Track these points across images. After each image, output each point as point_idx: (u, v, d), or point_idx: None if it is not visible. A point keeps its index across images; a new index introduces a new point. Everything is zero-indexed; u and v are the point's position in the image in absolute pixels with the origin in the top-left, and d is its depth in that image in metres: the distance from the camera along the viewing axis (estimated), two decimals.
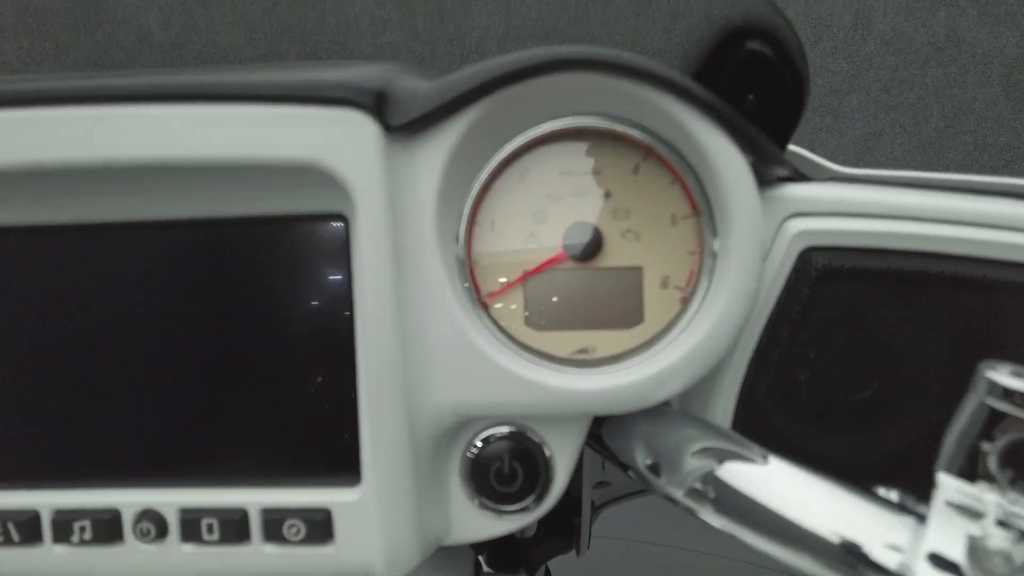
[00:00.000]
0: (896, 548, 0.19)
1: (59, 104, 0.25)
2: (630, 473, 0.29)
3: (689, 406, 0.31)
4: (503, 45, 1.45)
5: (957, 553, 0.18)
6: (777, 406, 0.29)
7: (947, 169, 1.31)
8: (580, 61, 0.24)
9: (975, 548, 0.18)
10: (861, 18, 1.29)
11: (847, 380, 0.28)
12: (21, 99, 0.25)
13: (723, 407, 0.29)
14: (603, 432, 0.30)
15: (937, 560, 0.18)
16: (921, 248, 0.28)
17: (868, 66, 1.31)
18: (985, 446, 0.19)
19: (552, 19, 1.41)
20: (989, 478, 0.20)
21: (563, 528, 0.53)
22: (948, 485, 0.19)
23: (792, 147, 0.35)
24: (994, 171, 1.28)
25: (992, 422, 0.19)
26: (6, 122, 0.25)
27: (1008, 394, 0.19)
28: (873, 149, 1.35)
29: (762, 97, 0.29)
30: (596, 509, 0.62)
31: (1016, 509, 0.18)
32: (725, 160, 0.25)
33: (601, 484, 0.60)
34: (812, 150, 1.20)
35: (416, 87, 0.26)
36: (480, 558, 0.43)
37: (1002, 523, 0.18)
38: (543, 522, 0.31)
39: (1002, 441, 0.19)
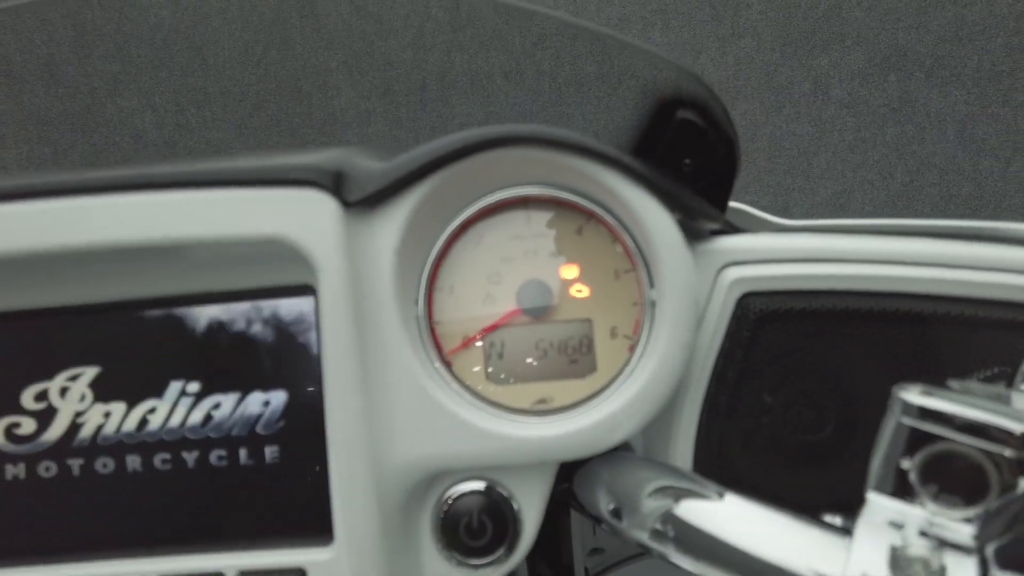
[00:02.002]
0: (832, 566, 0.20)
1: (48, 197, 0.27)
2: (603, 526, 0.30)
3: (651, 451, 0.33)
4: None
5: (882, 564, 0.19)
6: (743, 448, 0.30)
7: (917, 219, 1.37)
8: (519, 138, 0.27)
9: (897, 558, 0.19)
10: (819, 84, 1.38)
11: (806, 420, 0.30)
12: (13, 194, 0.27)
13: (682, 450, 0.31)
14: (573, 485, 0.31)
15: (864, 573, 0.19)
16: (850, 287, 0.30)
17: (831, 128, 1.39)
18: (905, 463, 0.20)
19: (528, 103, 1.50)
20: (913, 493, 0.21)
21: None
22: (875, 503, 0.21)
23: (736, 204, 0.38)
24: (961, 219, 1.33)
25: (910, 440, 0.20)
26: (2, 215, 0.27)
27: (921, 412, 0.20)
28: (845, 205, 1.41)
29: (697, 160, 0.33)
30: None
31: (935, 519, 0.19)
32: (653, 220, 0.28)
33: (595, 551, 0.59)
34: (787, 210, 1.26)
35: (370, 166, 0.29)
36: None
37: (924, 533, 0.19)
38: None
39: (919, 457, 0.20)
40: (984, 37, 1.28)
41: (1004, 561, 0.17)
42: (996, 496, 0.19)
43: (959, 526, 0.19)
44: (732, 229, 0.30)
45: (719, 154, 0.32)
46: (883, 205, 1.39)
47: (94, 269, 0.27)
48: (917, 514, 0.20)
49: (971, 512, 0.19)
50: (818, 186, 1.42)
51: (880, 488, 0.20)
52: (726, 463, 0.29)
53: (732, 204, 0.37)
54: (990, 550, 0.18)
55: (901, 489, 0.20)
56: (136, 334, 0.29)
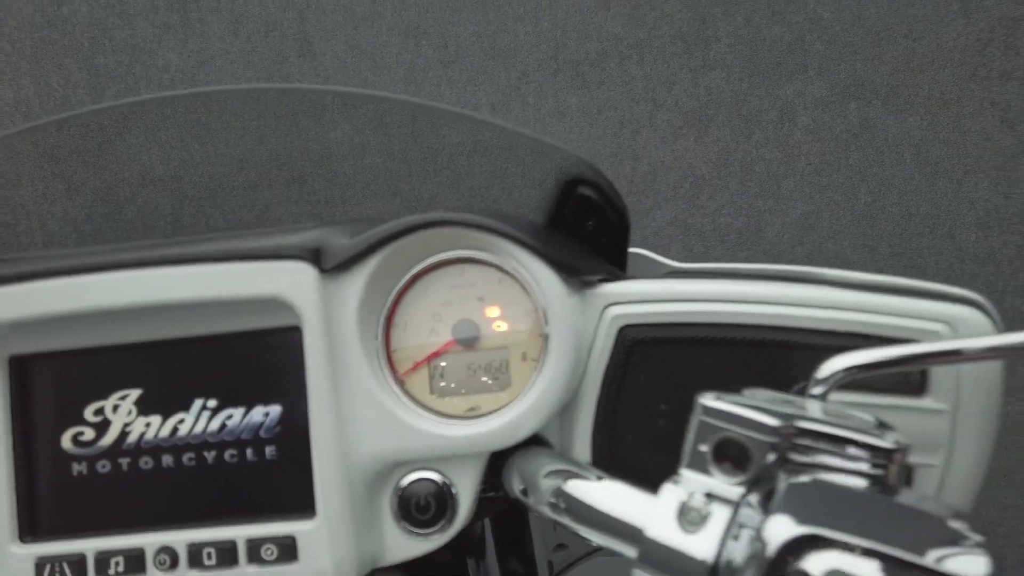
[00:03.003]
0: (647, 517, 0.28)
1: (98, 271, 0.38)
2: (529, 504, 0.37)
3: (563, 449, 0.41)
4: (472, 159, 1.61)
5: (671, 513, 0.28)
6: (641, 448, 0.38)
7: (880, 237, 1.44)
8: (443, 221, 0.36)
9: (682, 508, 0.28)
10: (786, 112, 1.47)
11: (677, 424, 0.37)
12: (72, 270, 0.37)
13: (580, 447, 0.40)
14: (501, 474, 0.40)
15: (664, 520, 0.28)
16: (703, 321, 0.39)
17: (798, 153, 1.47)
18: (701, 447, 0.28)
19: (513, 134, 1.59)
20: (707, 468, 0.29)
21: None
22: (684, 475, 0.30)
23: (638, 250, 0.47)
24: (921, 236, 1.41)
25: (704, 431, 0.29)
26: (66, 285, 0.36)
27: (710, 411, 0.29)
28: (814, 225, 1.49)
29: (597, 223, 0.43)
30: (557, 574, 0.68)
31: (717, 484, 0.28)
32: (541, 277, 0.37)
33: (560, 547, 0.67)
34: (759, 230, 1.36)
35: (339, 243, 0.38)
36: None
37: (709, 495, 0.28)
38: None
39: (710, 442, 0.28)
40: (934, 68, 1.36)
41: (766, 507, 0.25)
42: (755, 467, 0.27)
43: (731, 488, 0.27)
44: (615, 277, 0.39)
45: (613, 219, 0.42)
46: (849, 224, 1.47)
47: (139, 318, 0.36)
48: (706, 481, 0.28)
49: (740, 478, 0.27)
50: (788, 207, 1.50)
51: (688, 466, 0.29)
52: (620, 456, 0.38)
53: (635, 250, 0.46)
54: (743, 500, 0.26)
55: (701, 465, 0.28)
56: (169, 364, 0.37)
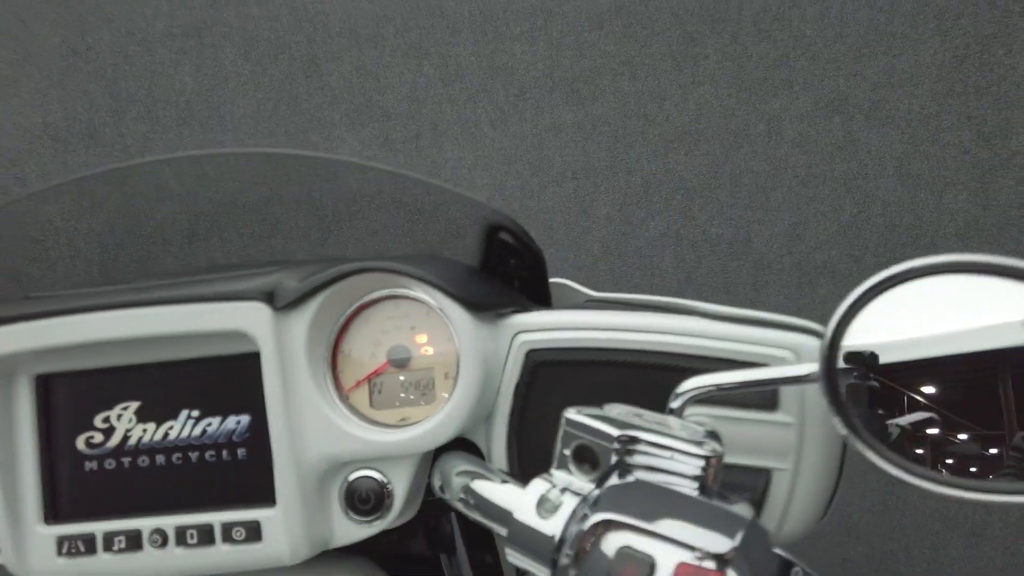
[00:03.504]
0: (518, 505, 0.35)
1: (103, 310, 0.45)
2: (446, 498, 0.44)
3: (487, 452, 0.48)
4: (473, 172, 1.68)
5: (532, 502, 0.34)
6: (546, 451, 0.45)
7: (866, 247, 1.48)
8: (371, 268, 0.43)
9: (540, 498, 0.34)
10: (772, 126, 1.52)
11: None
12: (83, 309, 0.45)
13: (497, 451, 0.47)
14: (430, 475, 0.46)
15: (527, 508, 0.34)
16: (596, 346, 0.45)
17: (785, 166, 1.52)
18: (565, 451, 0.35)
19: (511, 147, 1.65)
20: (568, 468, 0.35)
21: None
22: (553, 473, 0.36)
23: (559, 279, 0.54)
24: (905, 247, 1.45)
25: (567, 438, 0.35)
26: (78, 320, 0.45)
27: (571, 423, 0.35)
28: (802, 235, 1.54)
29: (517, 262, 0.50)
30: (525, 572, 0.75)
31: (572, 480, 0.35)
32: (452, 311, 0.44)
33: None
34: (748, 241, 1.43)
35: (289, 286, 0.45)
36: None
37: (565, 489, 0.34)
38: None
39: (571, 448, 0.35)
40: (912, 83, 1.40)
41: (592, 500, 0.31)
42: (603, 467, 0.33)
43: (585, 484, 0.33)
44: (525, 309, 0.46)
45: (528, 259, 0.48)
46: (836, 234, 1.51)
47: (136, 345, 0.44)
48: (567, 477, 0.34)
49: (591, 476, 0.33)
50: (776, 218, 1.54)
51: (557, 466, 0.35)
52: (529, 458, 0.44)
53: (559, 280, 0.52)
54: (590, 493, 0.32)
55: (565, 465, 0.34)
56: (160, 381, 0.45)
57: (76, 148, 1.56)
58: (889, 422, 0.33)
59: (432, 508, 0.60)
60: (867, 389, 0.33)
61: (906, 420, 0.32)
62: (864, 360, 0.33)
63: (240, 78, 1.64)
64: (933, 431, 0.31)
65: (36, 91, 1.51)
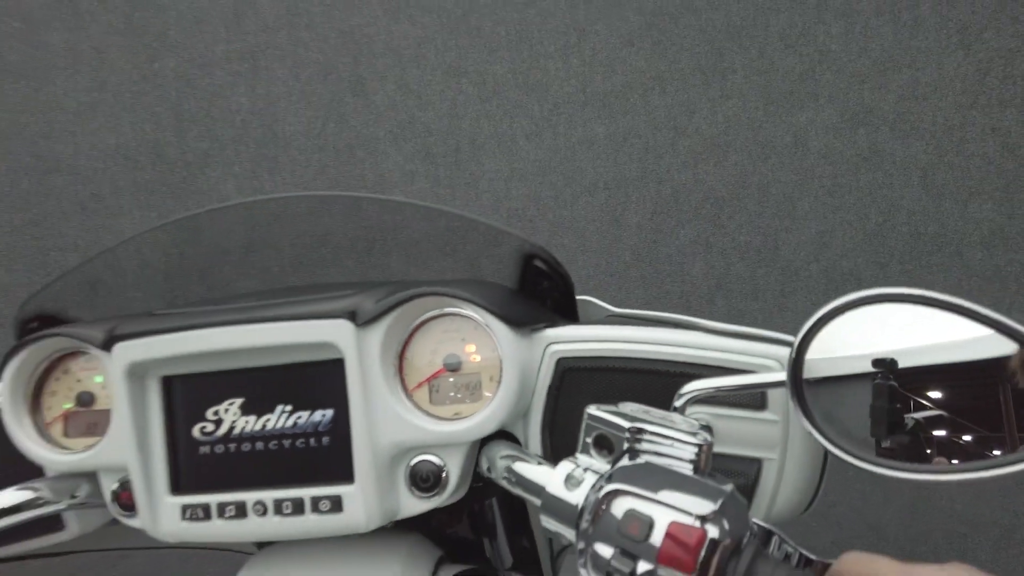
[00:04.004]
0: (550, 483, 0.43)
1: (215, 327, 0.54)
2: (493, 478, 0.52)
3: (524, 441, 0.56)
4: (509, 183, 1.75)
5: (560, 479, 0.42)
6: (572, 440, 0.53)
7: (891, 255, 1.52)
8: (428, 293, 0.51)
9: (567, 476, 0.42)
10: (799, 138, 1.56)
11: None
12: (199, 325, 0.54)
13: (533, 441, 0.55)
14: (477, 460, 0.55)
15: (556, 483, 0.42)
16: (617, 355, 0.52)
17: (811, 176, 1.56)
18: (587, 439, 0.42)
19: (545, 159, 1.72)
20: (590, 452, 0.43)
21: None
22: (577, 457, 0.44)
23: (585, 297, 0.63)
24: (930, 255, 1.48)
25: (589, 428, 0.43)
26: (196, 335, 0.54)
27: (592, 417, 0.43)
28: (829, 243, 1.58)
29: (548, 284, 0.58)
30: (557, 553, 0.84)
31: (593, 462, 0.42)
32: (496, 327, 0.52)
33: None
34: (776, 248, 1.50)
35: (367, 307, 0.53)
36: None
37: (587, 468, 0.42)
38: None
39: (592, 436, 0.43)
40: (937, 96, 1.43)
41: (607, 476, 0.39)
42: (617, 452, 0.41)
43: (602, 465, 0.41)
44: (555, 324, 0.54)
45: (558, 281, 0.57)
46: (861, 242, 1.55)
47: (242, 353, 0.53)
48: (589, 460, 0.42)
49: (608, 459, 0.41)
50: (803, 227, 1.58)
51: (580, 451, 0.43)
52: (559, 445, 0.52)
53: (585, 297, 0.60)
54: (606, 472, 0.40)
55: (587, 451, 0.42)
56: (261, 382, 0.54)
57: (144, 166, 1.69)
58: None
59: (477, 495, 0.68)
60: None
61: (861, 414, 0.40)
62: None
63: (291, 97, 1.74)
64: (876, 423, 0.39)
65: (110, 115, 1.64)
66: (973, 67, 1.40)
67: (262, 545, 0.60)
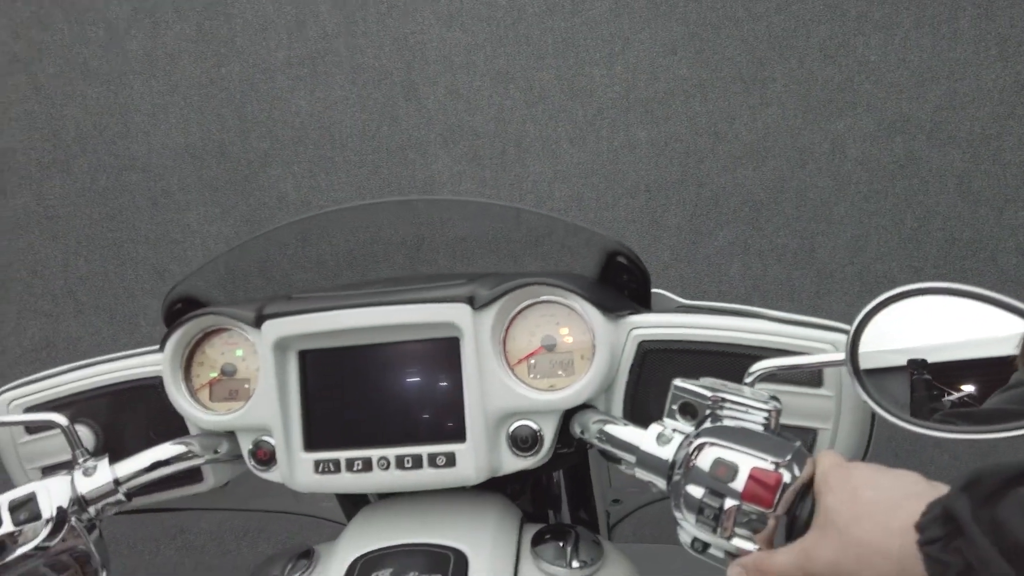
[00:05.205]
0: (644, 441, 0.52)
1: (350, 308, 0.62)
2: (593, 442, 0.59)
3: (605, 410, 0.63)
4: (552, 185, 1.83)
5: (653, 437, 0.51)
6: (652, 408, 0.60)
7: (925, 260, 1.56)
8: (532, 282, 0.59)
9: (657, 435, 0.51)
10: (837, 145, 1.61)
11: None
12: (333, 307, 0.63)
13: (615, 411, 0.63)
14: (569, 426, 0.62)
15: (648, 441, 0.51)
16: (691, 339, 0.60)
17: (848, 182, 1.61)
18: (673, 406, 0.50)
19: (588, 162, 1.79)
20: (675, 417, 0.52)
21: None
22: (664, 421, 0.52)
23: (658, 290, 0.71)
24: (964, 259, 1.52)
25: (675, 397, 0.52)
26: (330, 315, 0.62)
27: (677, 388, 0.51)
28: (864, 247, 1.62)
29: (629, 278, 0.66)
30: (612, 524, 0.92)
31: (679, 425, 0.51)
32: (590, 312, 0.60)
33: (615, 502, 0.91)
34: (812, 251, 1.58)
35: (482, 293, 0.61)
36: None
37: (675, 430, 0.51)
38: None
39: (677, 403, 0.51)
40: (974, 106, 1.47)
41: (695, 434, 0.47)
42: (700, 417, 0.49)
43: (687, 427, 0.49)
44: (637, 312, 0.62)
45: (638, 274, 0.64)
46: (896, 247, 1.59)
47: (373, 331, 0.63)
48: (675, 423, 0.51)
49: (692, 423, 0.49)
50: (839, 231, 1.63)
51: (667, 416, 0.51)
52: (639, 413, 0.60)
53: (658, 291, 0.68)
54: (691, 433, 0.48)
55: (672, 416, 0.51)
56: (388, 355, 0.65)
57: (209, 164, 1.79)
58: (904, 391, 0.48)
59: (547, 469, 0.76)
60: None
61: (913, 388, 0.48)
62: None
63: (348, 101, 1.83)
64: (926, 395, 0.47)
65: (180, 116, 1.75)
66: (1011, 78, 1.44)
67: (350, 515, 0.69)
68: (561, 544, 0.61)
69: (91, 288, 1.72)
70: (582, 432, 0.59)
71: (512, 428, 0.61)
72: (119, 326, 1.72)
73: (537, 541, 0.61)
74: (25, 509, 0.58)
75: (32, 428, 0.69)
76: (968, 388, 0.46)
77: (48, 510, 0.58)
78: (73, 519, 0.58)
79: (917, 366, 0.47)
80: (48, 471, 0.63)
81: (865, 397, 0.48)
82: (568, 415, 0.62)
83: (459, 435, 0.61)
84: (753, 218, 1.68)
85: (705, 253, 1.73)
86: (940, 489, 0.38)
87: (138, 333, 1.74)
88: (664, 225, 1.74)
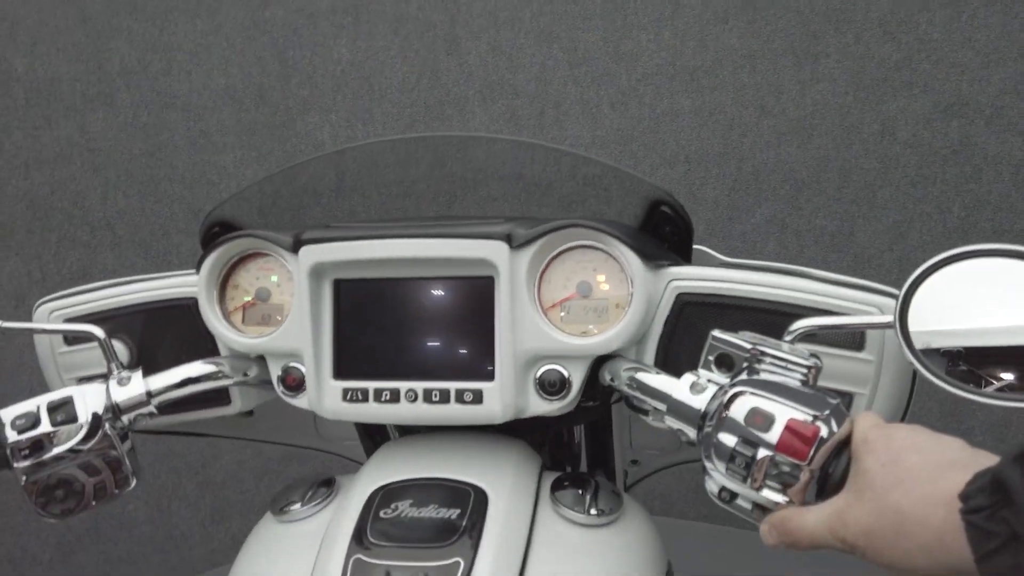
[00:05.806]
0: (676, 389, 0.51)
1: (387, 239, 0.62)
2: (617, 389, 0.59)
3: (639, 358, 0.62)
4: (590, 150, 1.80)
5: (687, 386, 0.51)
6: (682, 359, 0.59)
7: None
8: (573, 224, 0.57)
9: (691, 384, 0.50)
10: (887, 127, 1.56)
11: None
12: (370, 236, 0.62)
13: (648, 359, 0.62)
14: (599, 373, 0.61)
15: (681, 389, 0.50)
16: (728, 293, 0.58)
17: (895, 165, 1.56)
18: (710, 357, 0.49)
19: (628, 128, 1.76)
20: (711, 368, 0.51)
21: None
22: (698, 371, 0.51)
23: (699, 247, 0.68)
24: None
25: (712, 349, 0.51)
26: (366, 244, 0.62)
27: (715, 339, 0.50)
28: (905, 234, 1.58)
29: (671, 228, 0.64)
30: (629, 485, 0.91)
31: (714, 376, 0.50)
32: (630, 259, 0.59)
33: (633, 463, 0.90)
34: (851, 235, 1.54)
35: (520, 232, 0.60)
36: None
37: (709, 380, 0.50)
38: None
39: (713, 355, 0.50)
40: None
41: (728, 387, 0.46)
42: (736, 369, 0.48)
43: (722, 378, 0.48)
44: (677, 263, 0.60)
45: (681, 226, 0.62)
46: (940, 236, 1.55)
47: (408, 264, 0.63)
48: (710, 374, 0.50)
49: (727, 374, 0.48)
50: (881, 215, 1.58)
51: (702, 366, 0.50)
52: (671, 362, 0.59)
53: (699, 247, 0.66)
54: (725, 385, 0.47)
55: (708, 367, 0.50)
56: (422, 292, 0.64)
57: (248, 107, 1.79)
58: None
59: (567, 422, 0.76)
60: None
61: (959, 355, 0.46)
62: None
63: (389, 52, 1.81)
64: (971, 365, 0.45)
65: (222, 58, 1.75)
66: None
67: (370, 454, 0.69)
68: (580, 492, 0.60)
69: (128, 223, 1.75)
70: (612, 380, 0.59)
71: (541, 372, 0.60)
72: (152, 261, 1.75)
73: (556, 487, 0.61)
74: (62, 411, 0.60)
75: (70, 339, 0.70)
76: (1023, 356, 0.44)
77: (84, 414, 0.59)
78: (107, 425, 0.60)
79: (971, 331, 0.45)
80: (84, 381, 0.64)
81: (913, 360, 0.47)
82: (598, 363, 0.61)
83: (488, 374, 0.61)
84: (793, 197, 1.64)
85: (741, 230, 1.70)
86: (985, 458, 0.37)
87: (169, 270, 1.77)
88: (701, 198, 1.71)
